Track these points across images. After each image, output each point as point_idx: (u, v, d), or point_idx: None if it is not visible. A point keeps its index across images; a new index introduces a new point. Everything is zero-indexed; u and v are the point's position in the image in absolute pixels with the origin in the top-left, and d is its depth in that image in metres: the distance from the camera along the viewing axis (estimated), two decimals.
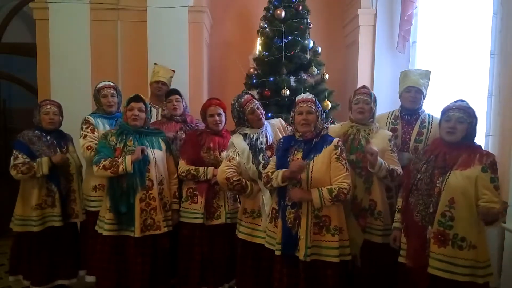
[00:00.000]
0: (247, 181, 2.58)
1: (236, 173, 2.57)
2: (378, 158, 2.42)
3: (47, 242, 2.93)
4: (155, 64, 3.63)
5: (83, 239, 3.09)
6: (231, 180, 2.54)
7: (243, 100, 2.65)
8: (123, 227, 2.62)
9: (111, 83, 3.15)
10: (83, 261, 3.09)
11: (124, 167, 2.53)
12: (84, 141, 2.93)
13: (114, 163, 2.54)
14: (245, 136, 2.64)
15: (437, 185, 2.09)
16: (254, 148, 2.60)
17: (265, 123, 2.72)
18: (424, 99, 2.90)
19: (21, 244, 2.97)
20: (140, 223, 2.58)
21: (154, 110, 3.40)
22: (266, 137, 2.67)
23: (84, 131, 2.97)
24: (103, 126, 3.02)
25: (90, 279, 3.02)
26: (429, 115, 2.89)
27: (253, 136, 2.63)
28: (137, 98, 2.71)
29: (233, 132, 2.79)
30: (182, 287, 2.85)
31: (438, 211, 2.07)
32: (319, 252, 2.27)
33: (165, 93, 3.22)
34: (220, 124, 2.80)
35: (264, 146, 2.62)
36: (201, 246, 2.80)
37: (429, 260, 2.08)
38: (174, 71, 3.62)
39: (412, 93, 2.85)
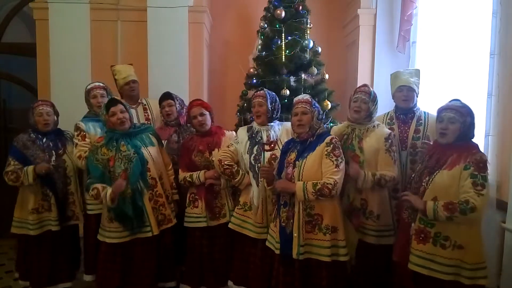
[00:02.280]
0: (239, 169, 2.68)
1: (229, 158, 2.68)
2: (361, 171, 2.44)
3: (46, 245, 2.92)
4: (111, 66, 3.52)
5: (85, 242, 3.10)
6: (222, 163, 2.65)
7: (256, 92, 2.83)
8: (134, 232, 2.60)
9: (101, 84, 3.13)
10: (84, 262, 3.11)
11: (105, 202, 2.49)
12: (76, 150, 2.94)
13: (98, 196, 2.51)
14: (249, 129, 2.78)
15: (423, 184, 2.12)
16: (252, 140, 2.70)
17: (274, 123, 2.79)
18: (417, 97, 2.93)
19: (20, 245, 2.98)
20: (155, 221, 2.61)
21: (132, 111, 3.36)
22: (269, 134, 2.73)
23: (75, 138, 2.97)
24: (94, 129, 2.99)
25: (88, 278, 3.04)
26: (425, 112, 2.94)
27: (255, 130, 2.74)
28: (113, 102, 2.66)
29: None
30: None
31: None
32: (311, 251, 2.28)
33: (159, 98, 3.22)
34: (204, 125, 2.82)
35: (264, 141, 2.69)
36: (201, 246, 2.82)
37: (410, 256, 2.11)
38: (132, 64, 3.53)
39: (404, 92, 2.89)
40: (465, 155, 2.07)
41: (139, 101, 3.47)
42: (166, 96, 3.17)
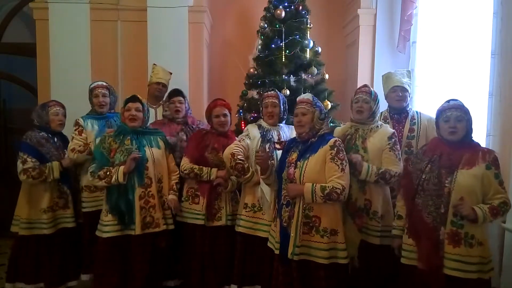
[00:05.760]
0: (250, 166, 2.64)
1: (241, 153, 2.63)
2: (364, 163, 2.44)
3: (57, 244, 2.93)
4: (154, 64, 3.63)
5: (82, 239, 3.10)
6: (235, 157, 2.59)
7: (266, 93, 2.83)
8: (126, 227, 2.61)
9: (104, 83, 3.15)
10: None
11: (116, 178, 2.53)
12: (71, 142, 2.99)
13: (108, 173, 2.55)
14: (260, 127, 2.76)
15: (446, 185, 2.09)
16: (264, 138, 2.69)
17: (281, 125, 2.80)
18: (409, 97, 2.99)
19: (27, 247, 2.90)
20: (140, 220, 2.58)
21: (152, 111, 3.39)
22: (279, 134, 2.74)
23: (73, 133, 3.03)
24: (91, 127, 3.04)
25: (85, 277, 3.05)
26: (417, 112, 3.00)
27: (265, 129, 2.74)
28: (134, 98, 2.71)
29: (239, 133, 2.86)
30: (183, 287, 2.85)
31: (450, 211, 2.07)
32: (308, 252, 2.26)
33: (168, 93, 3.20)
34: (225, 125, 2.82)
35: (275, 139, 2.69)
36: (202, 246, 2.80)
37: (444, 261, 2.07)
38: (171, 73, 3.62)
39: (398, 92, 2.95)
40: (480, 153, 2.11)
41: (161, 102, 3.53)
42: (178, 93, 3.15)
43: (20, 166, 2.80)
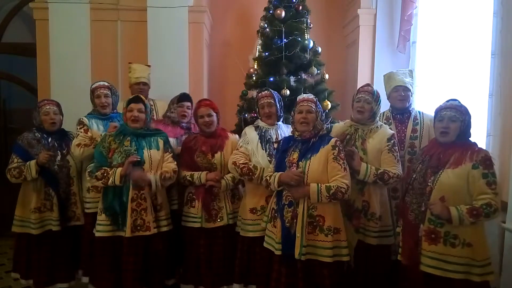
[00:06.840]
0: (255, 164, 2.62)
1: (243, 158, 2.64)
2: (362, 163, 2.44)
3: (47, 244, 2.92)
4: (129, 63, 3.60)
5: (82, 240, 3.08)
6: (238, 164, 2.61)
7: (261, 93, 2.82)
8: (119, 228, 2.61)
9: (106, 83, 3.11)
10: (81, 261, 3.09)
11: (113, 180, 2.53)
12: (76, 139, 2.91)
13: (105, 174, 2.55)
14: (257, 128, 2.76)
15: (429, 184, 2.11)
16: (263, 139, 2.69)
17: (280, 124, 2.81)
18: (412, 96, 2.97)
19: (20, 244, 2.97)
20: (130, 223, 2.57)
21: None
22: (277, 133, 2.74)
23: (77, 131, 2.96)
24: (97, 126, 3.00)
25: (87, 279, 3.01)
26: (419, 112, 2.98)
27: (263, 129, 2.74)
28: (136, 99, 2.69)
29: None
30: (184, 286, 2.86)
31: (429, 209, 2.09)
32: (314, 252, 2.28)
33: (179, 96, 3.20)
34: (210, 125, 2.79)
35: (273, 139, 2.69)
36: (200, 247, 2.79)
37: (421, 258, 2.09)
38: (149, 66, 3.59)
39: (400, 92, 2.93)
40: (468, 153, 2.08)
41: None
42: (188, 98, 3.17)
43: (8, 166, 2.83)
